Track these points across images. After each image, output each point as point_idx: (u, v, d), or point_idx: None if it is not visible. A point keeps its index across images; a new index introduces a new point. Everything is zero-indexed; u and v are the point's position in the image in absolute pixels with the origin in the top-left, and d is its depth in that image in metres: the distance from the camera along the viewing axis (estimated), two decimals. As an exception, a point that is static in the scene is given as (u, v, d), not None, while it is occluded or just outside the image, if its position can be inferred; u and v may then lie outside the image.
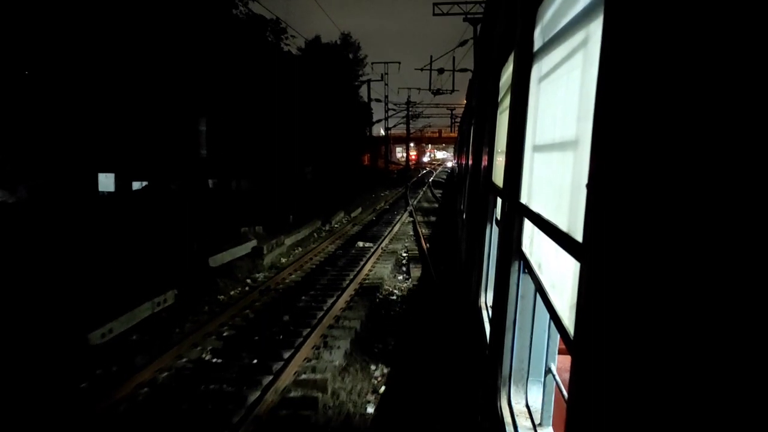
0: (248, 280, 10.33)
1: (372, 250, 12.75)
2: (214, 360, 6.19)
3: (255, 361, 6.10)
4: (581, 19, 1.40)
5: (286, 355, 6.16)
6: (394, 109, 49.20)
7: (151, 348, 6.39)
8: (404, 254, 12.82)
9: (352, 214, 20.22)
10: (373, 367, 6.23)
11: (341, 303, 8.17)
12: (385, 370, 6.17)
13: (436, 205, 26.04)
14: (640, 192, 0.77)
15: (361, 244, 13.70)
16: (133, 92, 17.64)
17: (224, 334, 7.01)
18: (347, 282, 9.62)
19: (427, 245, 13.42)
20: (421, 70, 29.61)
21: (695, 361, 0.60)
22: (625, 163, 0.83)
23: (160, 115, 19.12)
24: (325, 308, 7.98)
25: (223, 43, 19.88)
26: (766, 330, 0.50)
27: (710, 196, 0.59)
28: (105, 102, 17.01)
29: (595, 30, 1.23)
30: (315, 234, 16.00)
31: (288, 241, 13.59)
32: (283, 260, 12.24)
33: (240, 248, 11.24)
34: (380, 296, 9.11)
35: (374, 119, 49.31)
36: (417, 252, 12.94)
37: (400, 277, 10.66)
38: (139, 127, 18.67)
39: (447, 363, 6.04)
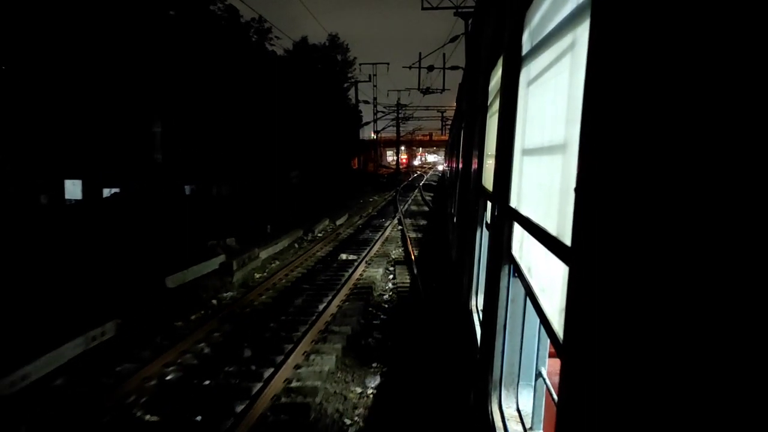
0: (213, 302, 9.11)
1: (356, 263, 11.56)
2: (147, 417, 4.96)
3: (198, 418, 4.88)
4: (568, 23, 1.38)
5: (239, 407, 4.96)
6: (383, 112, 47.98)
7: (75, 398, 5.15)
8: (391, 267, 11.65)
9: (338, 222, 19.00)
10: (347, 422, 5.04)
11: (314, 333, 6.98)
12: (362, 425, 4.98)
13: (426, 209, 24.89)
14: (628, 196, 0.76)
15: (344, 256, 12.50)
16: (105, 93, 16.31)
17: (168, 378, 5.78)
18: (324, 305, 8.42)
19: (416, 254, 12.25)
20: (410, 68, 28.15)
21: (683, 363, 0.59)
22: (612, 167, 0.82)
23: (135, 116, 17.83)
24: (295, 339, 6.78)
25: (196, 38, 18.62)
26: (753, 331, 0.49)
27: (698, 198, 0.59)
28: (73, 103, 15.66)
29: (582, 34, 1.21)
30: (296, 244, 14.77)
31: (263, 254, 12.36)
32: (257, 276, 11.02)
33: (204, 265, 10.00)
34: (362, 321, 7.91)
35: (363, 122, 48.12)
36: (405, 265, 11.75)
37: (386, 297, 9.47)
38: (111, 129, 17.35)
39: (437, 402, 4.88)
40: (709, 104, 0.57)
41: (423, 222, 19.58)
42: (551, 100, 1.57)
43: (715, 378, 0.54)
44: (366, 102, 42.70)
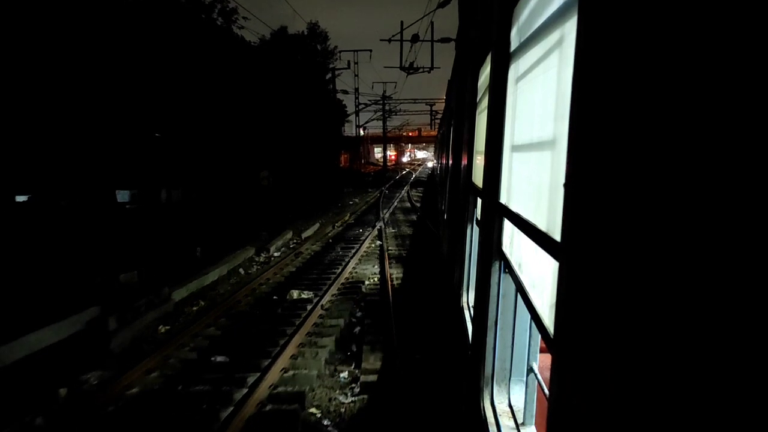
0: (61, 391, 5.56)
1: (311, 306, 8.07)
2: None
3: None
4: (556, 19, 1.42)
5: None
6: (365, 104, 44.31)
7: None
8: (358, 314, 8.14)
9: (304, 234, 15.53)
10: None
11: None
12: None
13: (412, 209, 21.42)
14: (617, 191, 0.78)
15: (296, 294, 8.95)
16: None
17: None
18: (244, 394, 4.93)
19: (394, 286, 8.79)
20: (389, 41, 23.87)
21: (671, 357, 0.60)
22: (601, 163, 0.83)
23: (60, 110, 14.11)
24: None
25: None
26: (739, 323, 0.50)
27: (686, 193, 0.60)
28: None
29: (570, 30, 1.24)
30: (241, 269, 11.28)
31: (182, 293, 8.85)
32: (162, 330, 7.51)
33: (54, 328, 6.40)
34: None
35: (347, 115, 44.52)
36: (378, 302, 8.28)
37: (344, 374, 5.98)
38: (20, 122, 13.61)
39: None
40: (697, 100, 0.58)
41: (408, 232, 16.08)
42: (540, 97, 1.59)
43: (702, 370, 0.55)
44: (345, 92, 39.01)
